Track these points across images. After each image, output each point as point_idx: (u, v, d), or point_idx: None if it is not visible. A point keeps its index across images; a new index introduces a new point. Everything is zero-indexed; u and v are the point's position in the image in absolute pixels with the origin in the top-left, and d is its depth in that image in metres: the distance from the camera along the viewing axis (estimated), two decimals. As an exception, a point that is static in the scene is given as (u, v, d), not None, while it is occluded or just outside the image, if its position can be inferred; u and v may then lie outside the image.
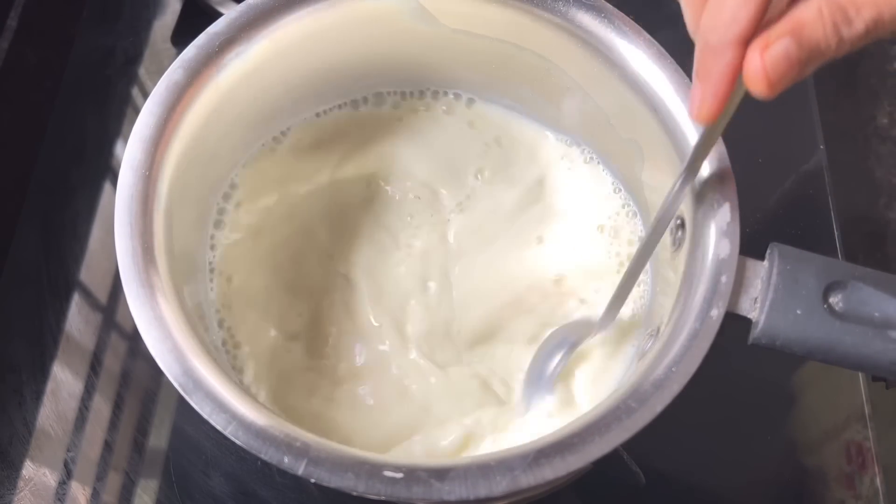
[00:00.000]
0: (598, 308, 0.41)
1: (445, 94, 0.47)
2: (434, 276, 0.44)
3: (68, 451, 0.46)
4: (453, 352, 0.43)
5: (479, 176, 0.47)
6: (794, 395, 0.48)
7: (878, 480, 0.46)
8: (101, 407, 0.47)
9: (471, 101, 0.47)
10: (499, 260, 0.45)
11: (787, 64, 0.27)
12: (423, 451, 0.40)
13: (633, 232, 0.44)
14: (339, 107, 0.47)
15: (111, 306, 0.50)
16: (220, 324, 0.42)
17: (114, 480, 0.45)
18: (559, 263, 0.44)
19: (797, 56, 0.27)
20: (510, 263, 0.45)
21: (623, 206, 0.44)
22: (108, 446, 0.46)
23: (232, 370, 0.40)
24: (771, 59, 0.27)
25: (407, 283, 0.44)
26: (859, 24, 0.27)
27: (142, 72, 0.57)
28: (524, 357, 0.42)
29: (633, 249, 0.43)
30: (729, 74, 0.28)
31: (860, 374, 0.48)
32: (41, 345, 0.48)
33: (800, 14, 0.27)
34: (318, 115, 0.46)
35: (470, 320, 0.43)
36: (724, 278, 0.33)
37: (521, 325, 0.43)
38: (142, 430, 0.47)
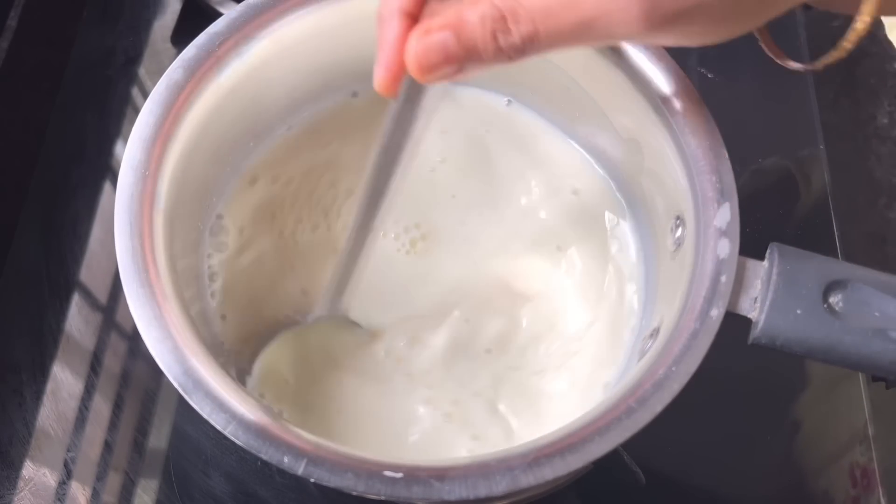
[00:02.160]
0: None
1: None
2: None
3: (68, 451, 0.46)
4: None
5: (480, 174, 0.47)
6: (797, 420, 0.48)
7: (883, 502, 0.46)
8: (101, 407, 0.47)
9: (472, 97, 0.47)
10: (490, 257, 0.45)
11: (443, 55, 0.28)
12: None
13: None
14: (340, 106, 0.47)
15: (111, 306, 0.50)
16: (221, 324, 0.41)
17: (114, 480, 0.45)
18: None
19: (454, 51, 0.28)
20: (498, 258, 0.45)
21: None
22: (108, 446, 0.46)
23: (232, 370, 0.40)
24: (426, 45, 0.28)
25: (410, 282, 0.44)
26: (515, 37, 0.28)
27: (142, 72, 0.57)
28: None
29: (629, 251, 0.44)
30: (395, 46, 0.30)
31: (862, 394, 0.48)
32: (41, 345, 0.48)
33: (465, 13, 0.28)
34: (318, 114, 0.46)
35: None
36: (724, 278, 0.33)
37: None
38: (142, 430, 0.47)
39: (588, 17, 0.28)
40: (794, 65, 0.35)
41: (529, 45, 0.28)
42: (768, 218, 0.53)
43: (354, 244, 0.38)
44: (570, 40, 0.28)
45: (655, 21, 0.28)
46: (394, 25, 0.30)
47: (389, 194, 0.36)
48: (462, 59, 0.28)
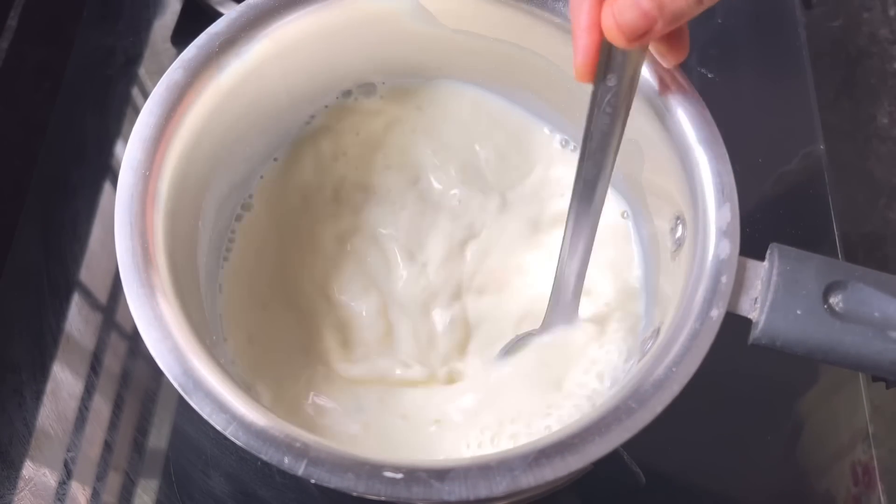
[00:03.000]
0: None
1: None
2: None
3: (68, 451, 0.46)
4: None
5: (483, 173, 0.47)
6: (798, 420, 0.48)
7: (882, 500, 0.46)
8: (101, 407, 0.47)
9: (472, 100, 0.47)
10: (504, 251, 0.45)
11: (640, 12, 0.29)
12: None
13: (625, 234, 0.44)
14: (340, 105, 0.47)
15: (111, 306, 0.50)
16: (221, 323, 0.42)
17: (114, 480, 0.45)
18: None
19: (648, 7, 0.29)
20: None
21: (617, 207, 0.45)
22: (108, 446, 0.46)
23: (232, 370, 0.40)
24: (620, 8, 0.30)
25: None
26: None
27: (142, 72, 0.57)
28: None
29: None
30: (589, 28, 0.31)
31: (862, 395, 0.48)
32: (41, 345, 0.48)
33: None
34: (318, 113, 0.46)
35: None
36: (724, 278, 0.33)
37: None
38: (142, 430, 0.47)
39: None
40: None
41: None
42: (768, 218, 0.53)
43: (576, 239, 0.38)
44: None
45: None
46: (584, 9, 0.31)
47: (602, 184, 0.36)
48: (656, 14, 0.29)
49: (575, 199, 0.37)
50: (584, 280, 0.39)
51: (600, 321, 0.42)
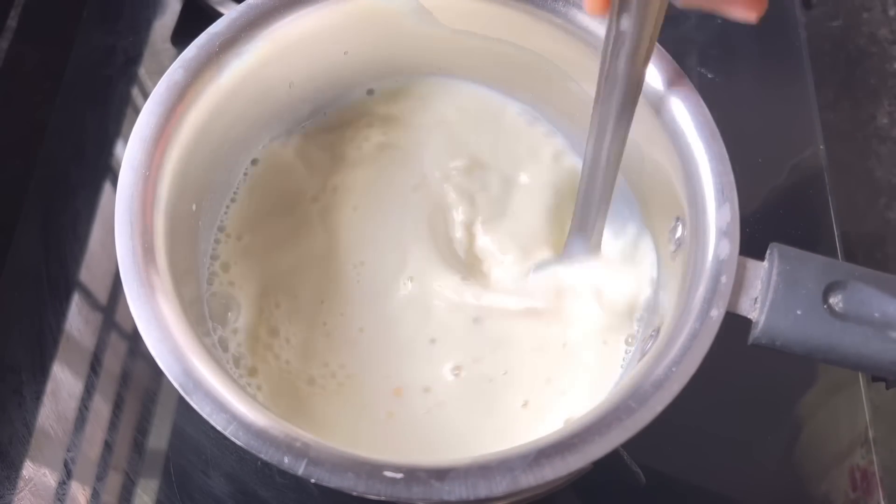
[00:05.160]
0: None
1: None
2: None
3: (68, 451, 0.46)
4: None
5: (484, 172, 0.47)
6: (797, 421, 0.48)
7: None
8: (101, 407, 0.47)
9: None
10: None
11: None
12: None
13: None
14: (340, 105, 0.47)
15: (111, 306, 0.50)
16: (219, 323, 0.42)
17: (114, 480, 0.45)
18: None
19: None
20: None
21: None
22: (108, 446, 0.46)
23: (232, 370, 0.40)
24: None
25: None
26: None
27: (142, 72, 0.57)
28: None
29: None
30: None
31: (862, 396, 0.48)
32: (41, 345, 0.48)
33: None
34: (318, 113, 0.46)
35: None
36: (724, 278, 0.33)
37: None
38: (142, 430, 0.47)
39: None
40: None
41: None
42: (768, 218, 0.53)
43: (594, 176, 0.37)
44: None
45: None
46: None
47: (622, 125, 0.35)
48: None
49: (591, 143, 0.35)
50: (605, 218, 0.39)
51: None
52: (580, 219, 0.40)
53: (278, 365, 0.41)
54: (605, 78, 0.33)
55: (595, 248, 0.41)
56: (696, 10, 0.33)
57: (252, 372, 0.41)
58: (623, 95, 0.34)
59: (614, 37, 0.32)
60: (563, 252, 0.42)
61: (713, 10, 0.33)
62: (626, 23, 0.31)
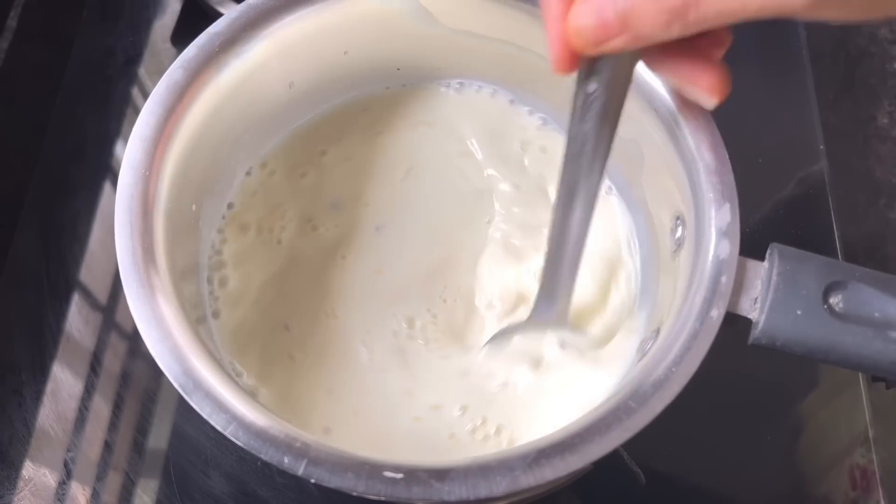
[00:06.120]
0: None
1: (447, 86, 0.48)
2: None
3: (68, 451, 0.46)
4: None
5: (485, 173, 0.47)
6: (797, 421, 0.48)
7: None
8: (101, 407, 0.47)
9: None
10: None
11: (600, 22, 0.27)
12: None
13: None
14: (340, 104, 0.47)
15: (111, 306, 0.50)
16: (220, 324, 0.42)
17: (114, 480, 0.45)
18: None
19: (611, 19, 0.27)
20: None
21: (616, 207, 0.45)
22: (108, 446, 0.46)
23: (232, 370, 0.40)
24: (580, 12, 0.28)
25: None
26: (678, 2, 0.26)
27: (142, 72, 0.57)
28: None
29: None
30: (559, 19, 0.29)
31: (862, 396, 0.48)
32: (41, 345, 0.48)
33: None
34: (318, 113, 0.46)
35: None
36: (724, 278, 0.33)
37: None
38: (142, 430, 0.47)
39: None
40: None
41: (695, 15, 0.26)
42: (768, 218, 0.53)
43: (563, 239, 0.36)
44: (739, 14, 0.26)
45: None
46: (552, 6, 0.29)
47: (586, 191, 0.34)
48: (616, 29, 0.27)
49: (559, 206, 0.35)
50: (573, 283, 0.38)
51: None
52: (548, 281, 0.38)
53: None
54: (573, 138, 0.33)
55: (562, 315, 0.39)
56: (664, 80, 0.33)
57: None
58: (592, 155, 0.33)
59: (582, 99, 0.31)
60: (529, 316, 0.40)
61: (676, 87, 0.33)
62: (594, 86, 0.30)
